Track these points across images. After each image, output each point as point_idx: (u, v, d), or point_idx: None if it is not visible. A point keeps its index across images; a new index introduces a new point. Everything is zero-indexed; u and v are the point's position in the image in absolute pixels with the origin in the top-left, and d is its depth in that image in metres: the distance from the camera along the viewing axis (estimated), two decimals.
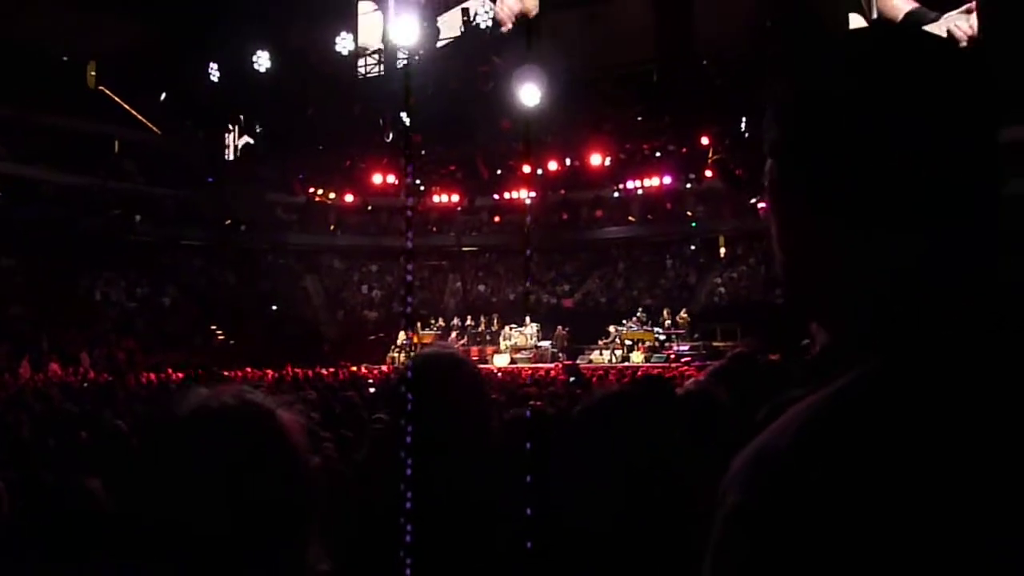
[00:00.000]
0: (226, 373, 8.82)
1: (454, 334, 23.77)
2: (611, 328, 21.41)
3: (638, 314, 22.42)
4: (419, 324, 24.54)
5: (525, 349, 22.60)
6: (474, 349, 24.29)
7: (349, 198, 22.96)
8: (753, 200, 23.60)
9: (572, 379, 11.49)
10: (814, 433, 0.41)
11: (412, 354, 1.30)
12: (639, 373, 12.47)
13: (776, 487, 0.41)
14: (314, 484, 0.70)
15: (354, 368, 15.83)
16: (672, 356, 19.54)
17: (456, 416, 1.07)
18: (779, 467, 0.41)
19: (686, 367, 14.36)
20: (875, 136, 0.41)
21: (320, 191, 21.60)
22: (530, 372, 13.73)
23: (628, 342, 21.28)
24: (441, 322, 24.78)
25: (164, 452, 0.66)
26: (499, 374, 13.96)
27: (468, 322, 24.49)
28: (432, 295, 28.96)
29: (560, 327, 22.31)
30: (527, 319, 23.30)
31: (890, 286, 0.39)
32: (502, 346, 22.24)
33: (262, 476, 0.65)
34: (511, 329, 22.64)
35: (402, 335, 22.53)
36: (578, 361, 19.92)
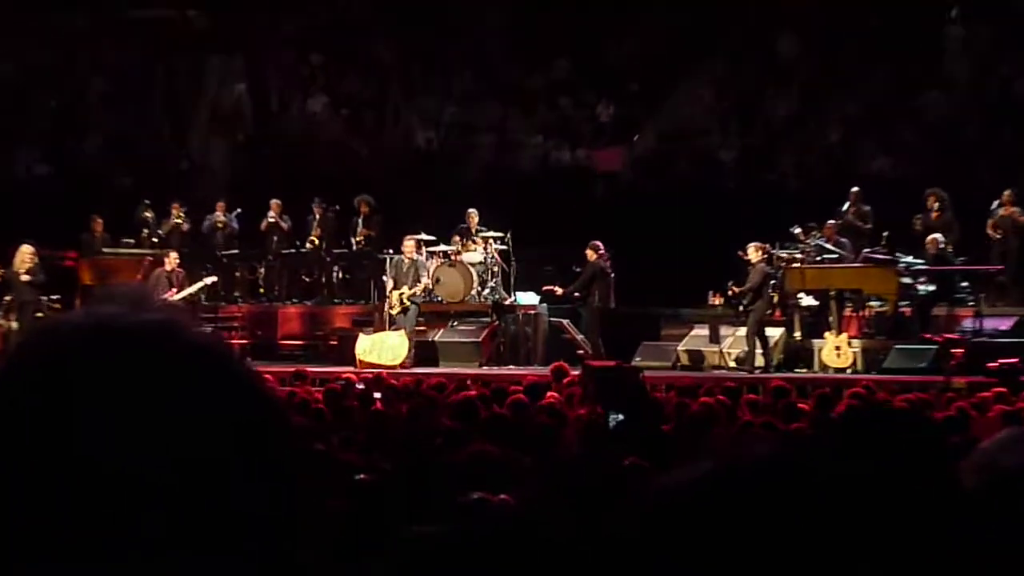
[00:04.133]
0: None
1: (167, 268, 25.31)
2: (751, 251, 22.89)
3: (847, 210, 24.15)
4: (98, 222, 26.99)
5: (462, 322, 25.03)
6: (291, 311, 26.60)
7: None
8: None
9: (615, 417, 12.30)
10: None
11: (39, 323, 1.55)
12: (841, 405, 13.06)
13: None
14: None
15: None
16: (958, 351, 20.50)
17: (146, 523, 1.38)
18: None
19: (1003, 388, 15.02)
20: None
21: None
22: (474, 395, 14.07)
23: (805, 298, 22.92)
24: (174, 218, 27.34)
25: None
26: (377, 396, 15.08)
27: (272, 217, 27.48)
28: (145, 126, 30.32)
29: (592, 250, 24.04)
30: (470, 219, 25.81)
31: None
32: (394, 302, 24.08)
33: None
34: (414, 257, 24.32)
35: (24, 255, 23.75)
36: (638, 360, 22.32)
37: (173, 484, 1.36)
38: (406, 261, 23.56)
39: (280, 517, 1.43)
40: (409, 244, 23.72)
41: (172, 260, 24.49)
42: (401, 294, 23.29)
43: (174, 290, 23.83)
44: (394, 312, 23.41)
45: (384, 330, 23.51)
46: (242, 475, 1.39)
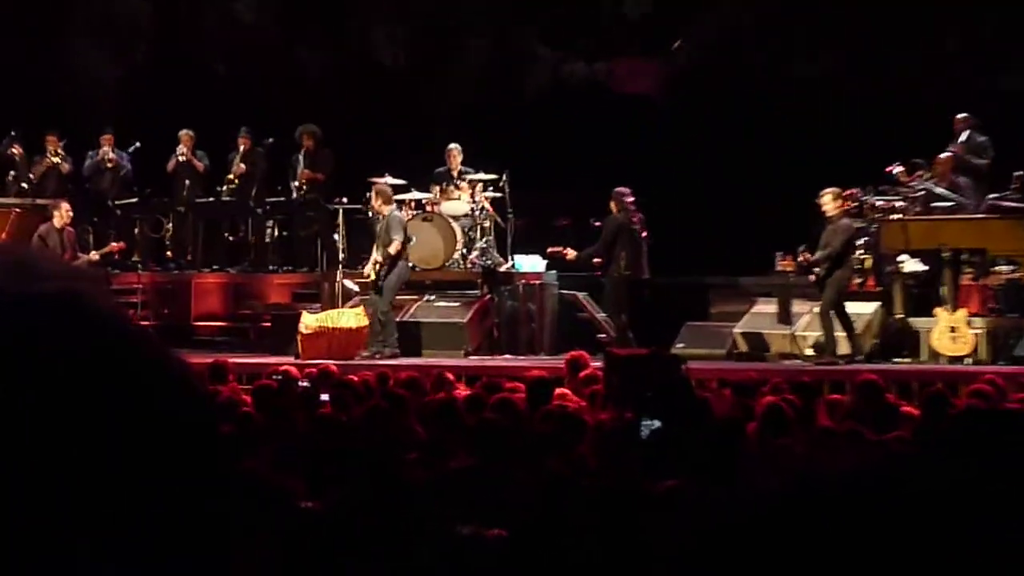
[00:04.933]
0: None
1: (57, 225, 25.99)
2: (827, 199, 22.88)
3: (959, 143, 24.07)
4: None
5: (441, 296, 25.16)
6: (209, 281, 26.64)
7: None
8: None
9: (649, 424, 12.31)
10: None
11: None
12: (957, 407, 13.05)
13: None
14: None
15: None
16: None
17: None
18: None
19: None
20: None
21: None
22: (460, 394, 14.33)
23: (909, 262, 22.82)
24: (50, 155, 27.50)
25: None
26: (325, 397, 15.43)
27: (182, 154, 27.55)
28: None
29: (616, 200, 24.26)
30: (452, 157, 25.91)
31: None
32: (368, 271, 24.18)
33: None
34: (384, 211, 24.20)
35: None
36: (680, 346, 22.28)
37: (63, 503, 1.37)
38: (380, 218, 23.54)
39: (202, 554, 1.43)
40: (377, 194, 23.68)
41: (64, 214, 24.53)
42: (375, 262, 23.35)
43: (66, 256, 23.87)
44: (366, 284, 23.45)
45: (337, 307, 23.46)
46: (159, 495, 1.40)
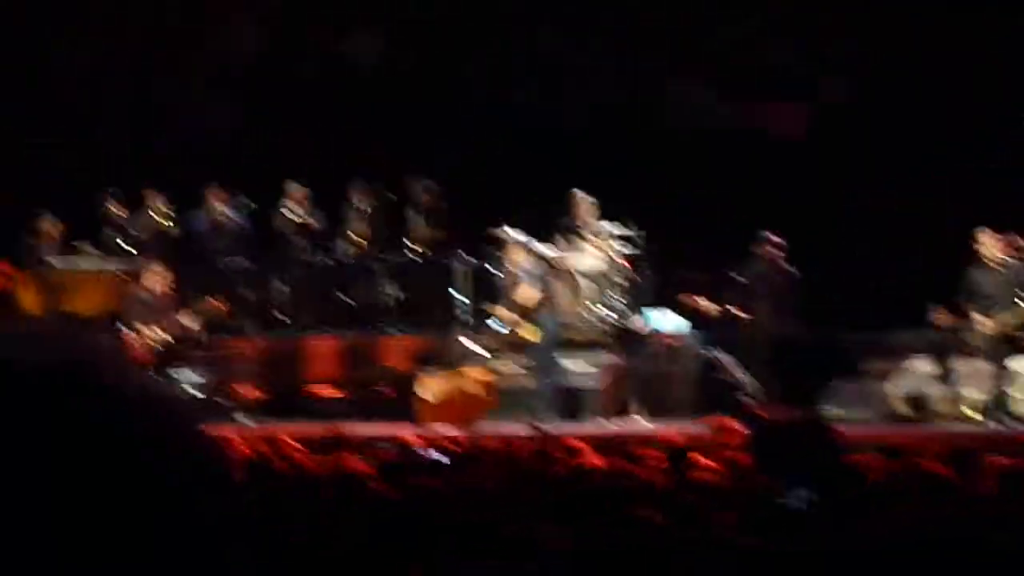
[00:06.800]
0: None
1: (152, 287, 26.97)
2: (985, 243, 22.28)
3: None
4: (51, 221, 27.16)
5: (567, 357, 24.91)
6: (324, 344, 27.23)
7: None
8: None
9: (798, 494, 12.27)
10: None
11: None
12: None
13: None
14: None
15: None
16: None
17: None
18: None
19: None
20: None
21: None
22: (599, 464, 14.21)
23: None
24: (151, 212, 27.99)
25: None
26: (443, 460, 15.60)
27: (292, 210, 28.03)
28: None
29: (762, 247, 24.26)
30: (577, 205, 25.95)
31: None
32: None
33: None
34: (516, 266, 24.60)
35: None
36: (829, 408, 22.02)
37: None
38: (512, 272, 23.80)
39: None
40: (510, 248, 23.98)
41: (157, 276, 24.86)
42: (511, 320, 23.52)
43: (159, 321, 23.88)
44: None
45: (460, 371, 23.46)
46: None
